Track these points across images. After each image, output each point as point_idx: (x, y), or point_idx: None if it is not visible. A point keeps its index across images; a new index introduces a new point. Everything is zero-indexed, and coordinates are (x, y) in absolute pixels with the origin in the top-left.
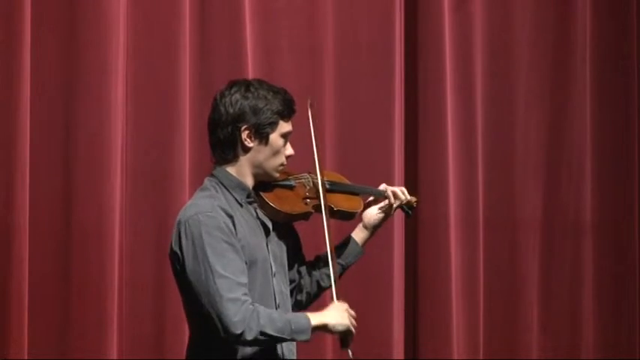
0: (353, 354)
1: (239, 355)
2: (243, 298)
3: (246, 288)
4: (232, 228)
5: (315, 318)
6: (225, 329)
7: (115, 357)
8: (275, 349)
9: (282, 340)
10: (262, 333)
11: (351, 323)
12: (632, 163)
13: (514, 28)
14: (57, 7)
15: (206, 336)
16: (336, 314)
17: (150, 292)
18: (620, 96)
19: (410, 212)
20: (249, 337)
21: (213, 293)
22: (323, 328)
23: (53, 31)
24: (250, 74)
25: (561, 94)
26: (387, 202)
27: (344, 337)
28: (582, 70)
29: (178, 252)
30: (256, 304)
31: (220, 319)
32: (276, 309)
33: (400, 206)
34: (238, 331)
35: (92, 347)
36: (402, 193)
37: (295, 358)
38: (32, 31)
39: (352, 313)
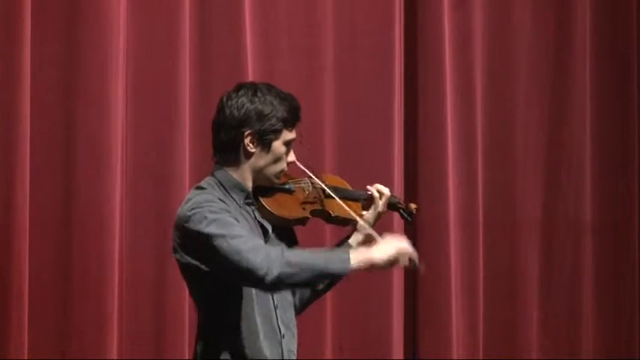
0: (423, 269)
1: (245, 350)
2: (261, 243)
3: (262, 240)
4: (231, 212)
5: (358, 253)
6: (253, 276)
7: (115, 357)
8: (274, 348)
9: (317, 270)
10: (288, 263)
11: (402, 246)
12: (632, 163)
13: (514, 28)
14: (57, 7)
15: (215, 330)
16: (382, 246)
17: (150, 291)
18: (620, 96)
19: (410, 219)
20: (275, 271)
21: (232, 253)
22: (368, 261)
23: (53, 31)
24: (250, 74)
25: (561, 94)
26: (376, 203)
27: (403, 262)
28: (582, 70)
29: (184, 243)
30: (280, 247)
31: (246, 271)
32: (275, 309)
33: (398, 211)
34: (264, 270)
35: (92, 347)
36: (383, 192)
37: (295, 358)
38: (32, 31)
39: (402, 239)
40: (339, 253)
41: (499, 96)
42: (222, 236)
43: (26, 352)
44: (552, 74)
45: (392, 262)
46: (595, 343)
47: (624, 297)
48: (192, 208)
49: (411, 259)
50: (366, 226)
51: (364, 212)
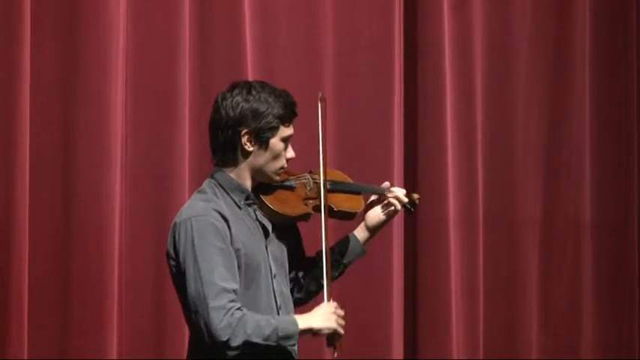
0: (339, 354)
1: (242, 354)
2: (229, 305)
3: (234, 294)
4: (227, 231)
5: (302, 322)
6: (211, 335)
7: (115, 357)
8: (275, 348)
9: (269, 347)
10: (247, 342)
11: (338, 324)
12: (632, 163)
13: (514, 28)
14: (57, 7)
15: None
16: (322, 317)
17: (150, 292)
18: (619, 96)
19: (412, 209)
20: (234, 343)
21: (201, 299)
22: (309, 332)
23: (53, 31)
24: (250, 74)
25: (561, 94)
26: (390, 203)
27: (330, 337)
28: (582, 70)
29: (173, 254)
30: (244, 310)
31: (206, 326)
32: (278, 310)
33: (403, 205)
34: (224, 338)
35: (92, 347)
36: (403, 195)
37: (297, 358)
38: (32, 31)
39: (340, 312)
40: (290, 328)
41: (499, 96)
42: (200, 276)
43: (26, 352)
44: (552, 74)
45: (323, 334)
46: (595, 343)
47: (624, 297)
48: (188, 224)
49: (338, 339)
50: (324, 267)
51: (379, 210)
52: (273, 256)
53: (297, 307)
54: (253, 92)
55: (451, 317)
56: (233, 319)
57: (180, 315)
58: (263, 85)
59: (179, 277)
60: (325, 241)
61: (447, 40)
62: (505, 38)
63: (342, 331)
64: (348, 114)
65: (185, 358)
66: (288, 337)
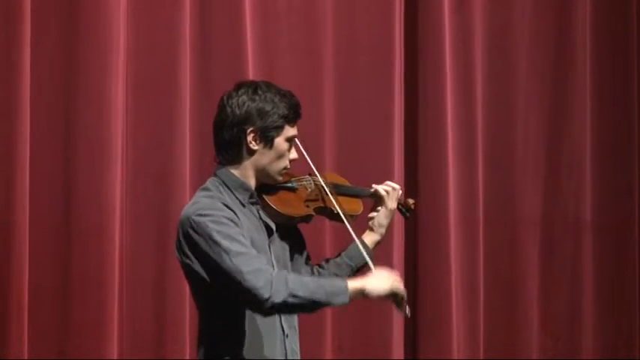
0: (409, 313)
1: (247, 351)
2: (265, 267)
3: (265, 259)
4: (237, 219)
5: (354, 282)
6: (254, 299)
7: (115, 357)
8: (278, 348)
9: (318, 303)
10: (292, 295)
11: (396, 285)
12: (632, 163)
13: (514, 29)
14: (57, 7)
15: (216, 331)
16: (376, 279)
17: (150, 292)
18: (620, 96)
19: (408, 214)
20: (277, 299)
21: (234, 272)
22: (361, 293)
23: (53, 31)
24: (250, 74)
25: (561, 94)
26: (381, 197)
27: (394, 300)
28: (582, 70)
29: (187, 249)
30: (285, 271)
31: (247, 292)
32: None
33: (397, 207)
34: (266, 295)
35: (92, 347)
36: (393, 189)
37: (299, 358)
38: (32, 31)
39: (395, 276)
40: (338, 284)
41: (499, 96)
42: (226, 252)
43: (26, 352)
44: (552, 74)
45: (383, 297)
46: (595, 343)
47: (624, 297)
48: (199, 214)
49: (401, 300)
50: (365, 254)
51: (376, 211)
52: (276, 255)
53: None
54: (259, 92)
55: (451, 317)
56: (271, 276)
57: (180, 315)
58: (269, 85)
59: (197, 271)
60: (350, 225)
61: (448, 40)
62: (505, 38)
63: (403, 292)
64: (347, 114)
65: (185, 358)
66: (336, 293)
